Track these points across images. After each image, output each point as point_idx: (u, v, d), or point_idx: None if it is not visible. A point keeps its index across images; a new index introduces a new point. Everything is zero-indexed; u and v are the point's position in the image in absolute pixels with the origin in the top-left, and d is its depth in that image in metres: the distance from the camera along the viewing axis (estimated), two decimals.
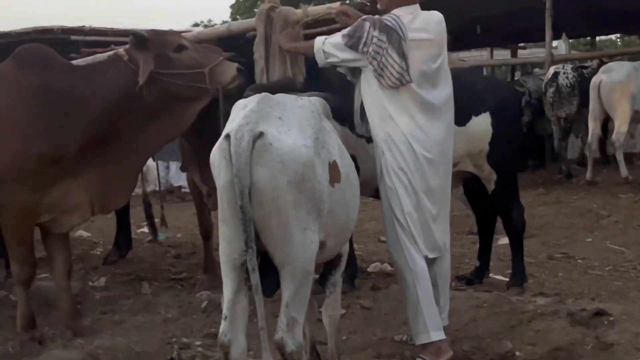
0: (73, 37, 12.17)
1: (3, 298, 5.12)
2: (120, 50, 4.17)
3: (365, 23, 3.58)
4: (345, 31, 3.66)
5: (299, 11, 4.25)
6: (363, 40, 3.56)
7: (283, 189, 2.78)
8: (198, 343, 4.06)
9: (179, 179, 10.64)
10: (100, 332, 4.26)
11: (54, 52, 4.29)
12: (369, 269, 5.58)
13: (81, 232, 7.69)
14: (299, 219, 2.82)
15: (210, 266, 5.39)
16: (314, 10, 4.26)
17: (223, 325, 2.90)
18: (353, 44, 3.59)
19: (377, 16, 3.66)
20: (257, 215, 2.77)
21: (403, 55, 3.53)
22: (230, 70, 4.11)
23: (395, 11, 3.63)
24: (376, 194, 3.95)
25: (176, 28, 11.30)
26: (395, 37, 3.53)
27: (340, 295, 3.52)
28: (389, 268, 5.45)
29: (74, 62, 4.32)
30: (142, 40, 4.05)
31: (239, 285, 2.90)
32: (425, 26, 3.62)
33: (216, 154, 2.89)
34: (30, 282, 4.21)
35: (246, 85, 3.99)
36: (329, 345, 3.54)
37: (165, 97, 4.09)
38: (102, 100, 4.01)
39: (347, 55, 3.63)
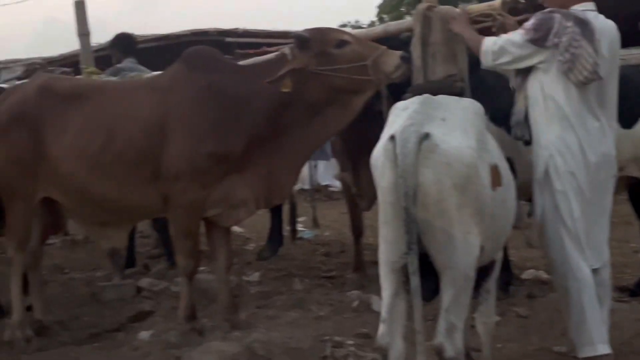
0: (227, 39, 12.72)
1: (164, 289, 5.39)
2: (286, 49, 4.26)
3: (554, 15, 3.44)
4: (527, 25, 3.51)
5: (458, 10, 4.17)
6: (553, 31, 3.40)
7: (448, 191, 2.74)
8: (350, 342, 4.06)
9: (326, 178, 10.77)
10: (255, 326, 4.37)
11: (220, 53, 4.46)
12: (523, 276, 5.40)
13: (234, 228, 7.94)
14: (463, 222, 2.77)
15: (360, 266, 5.42)
16: (474, 8, 4.17)
17: (381, 328, 2.90)
18: (539, 37, 3.43)
19: (563, 9, 3.50)
20: (420, 218, 2.74)
21: (596, 50, 3.38)
22: (393, 59, 4.04)
23: (577, 7, 3.49)
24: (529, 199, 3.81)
25: None
26: (588, 30, 3.39)
27: (494, 301, 3.43)
28: (544, 275, 5.26)
29: (241, 62, 4.47)
30: (303, 41, 4.10)
31: (398, 288, 2.88)
32: (603, 28, 3.46)
33: (380, 155, 2.89)
34: (194, 274, 4.39)
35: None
36: (483, 353, 3.45)
37: (329, 92, 4.10)
38: (265, 99, 4.11)
39: (525, 51, 3.49)
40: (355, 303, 4.76)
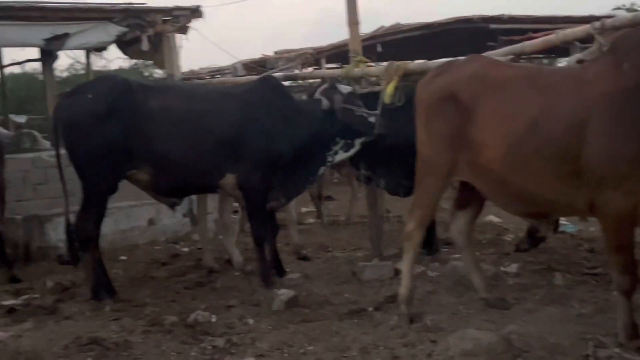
0: (491, 26, 12.49)
1: (421, 273, 5.47)
2: None
3: None
4: None
5: None
6: None
7: None
8: (615, 343, 3.83)
9: None
10: (512, 318, 4.29)
11: None
12: None
13: (491, 218, 7.85)
14: None
15: None
16: None
17: None
18: None
19: None
20: None
21: None
22: None
23: None
24: None
25: (596, 12, 10.79)
26: None
27: None
28: None
29: None
30: None
31: None
32: None
33: None
34: (633, 291, 3.85)
35: None
36: None
37: None
38: None
39: None
40: None
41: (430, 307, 4.57)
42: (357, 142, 5.85)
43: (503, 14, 12.89)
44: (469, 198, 4.62)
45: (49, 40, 8.64)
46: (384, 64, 6.36)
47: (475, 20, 12.56)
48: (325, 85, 5.96)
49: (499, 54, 5.33)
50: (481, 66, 4.34)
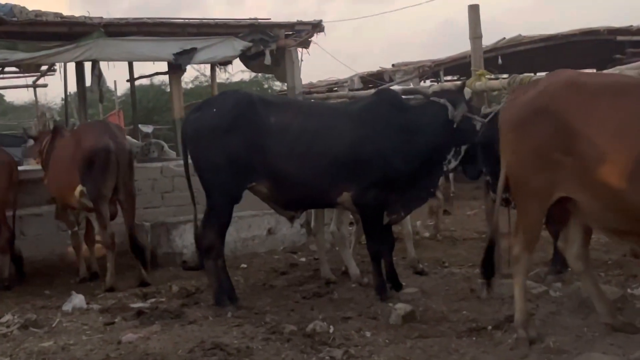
0: (619, 38, 12.02)
1: (543, 292, 5.33)
2: None
3: None
4: None
5: None
6: None
7: None
8: None
9: None
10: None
11: None
12: None
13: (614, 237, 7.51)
14: None
15: None
16: None
17: None
18: None
19: None
20: None
21: None
22: None
23: None
24: None
25: None
26: None
27: None
28: None
29: None
30: None
31: None
32: None
33: None
34: None
35: None
36: None
37: None
38: None
39: None
40: None
41: (552, 329, 4.45)
42: (463, 149, 5.72)
43: (632, 25, 12.40)
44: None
45: (178, 55, 9.02)
46: (505, 76, 6.25)
47: (601, 32, 12.14)
48: (450, 87, 5.83)
49: (630, 68, 5.15)
50: (574, 75, 4.14)
